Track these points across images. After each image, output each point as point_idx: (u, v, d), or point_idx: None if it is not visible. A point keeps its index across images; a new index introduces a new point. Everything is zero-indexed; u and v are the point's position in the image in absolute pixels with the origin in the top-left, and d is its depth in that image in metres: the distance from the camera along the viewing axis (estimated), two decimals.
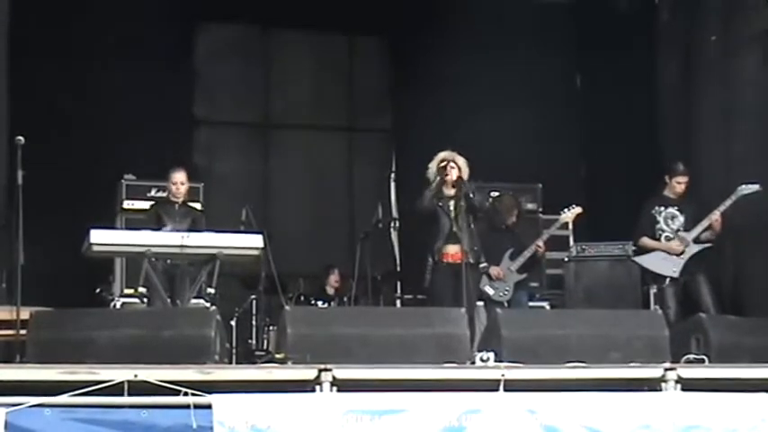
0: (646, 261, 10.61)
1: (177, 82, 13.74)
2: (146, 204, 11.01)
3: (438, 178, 9.80)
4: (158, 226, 9.90)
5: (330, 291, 13.00)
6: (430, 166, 9.95)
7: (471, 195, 9.69)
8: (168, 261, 9.48)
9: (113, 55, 12.81)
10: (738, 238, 11.10)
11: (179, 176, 10.32)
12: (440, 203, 9.83)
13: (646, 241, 10.59)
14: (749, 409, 7.32)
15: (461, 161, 9.86)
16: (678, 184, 10.59)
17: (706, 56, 12.29)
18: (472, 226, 9.67)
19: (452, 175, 9.77)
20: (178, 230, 9.69)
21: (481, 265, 9.91)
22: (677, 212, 10.54)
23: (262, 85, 15.10)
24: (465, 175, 9.82)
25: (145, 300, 9.66)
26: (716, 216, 10.32)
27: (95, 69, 12.67)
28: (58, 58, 12.53)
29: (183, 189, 10.32)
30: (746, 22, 11.77)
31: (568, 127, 13.57)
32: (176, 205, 10.29)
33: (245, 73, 14.97)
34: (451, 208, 9.76)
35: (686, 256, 10.40)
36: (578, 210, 11.07)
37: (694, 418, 7.23)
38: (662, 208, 10.56)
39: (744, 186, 10.35)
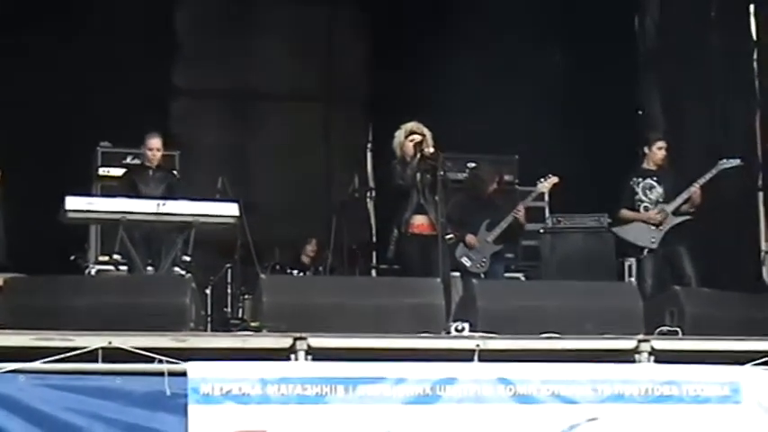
0: (624, 232, 10.64)
1: (156, 51, 13.70)
2: (121, 172, 10.99)
3: (418, 154, 9.70)
4: (133, 193, 9.87)
5: (306, 260, 13.01)
6: (396, 135, 9.86)
7: (443, 172, 9.61)
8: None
9: (93, 22, 12.73)
10: (716, 211, 11.14)
11: (155, 143, 10.33)
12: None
13: (625, 213, 10.62)
14: (720, 380, 7.38)
15: (428, 132, 9.80)
16: (659, 150, 10.63)
17: (690, 27, 12.34)
18: (437, 198, 9.56)
19: (427, 150, 9.70)
20: (153, 196, 9.66)
21: (447, 236, 9.74)
22: (655, 183, 10.58)
23: (241, 55, 15.05)
24: (431, 146, 9.75)
25: (120, 267, 9.64)
26: (695, 189, 10.37)
27: (75, 36, 12.60)
28: (37, 23, 12.45)
29: (158, 155, 10.31)
30: None
31: (546, 99, 13.54)
32: (150, 171, 10.29)
33: (225, 43, 14.92)
34: (419, 179, 9.71)
35: (665, 228, 10.43)
36: (555, 179, 11.09)
37: (666, 389, 7.30)
38: (640, 179, 10.61)
39: (725, 160, 10.41)
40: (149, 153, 10.30)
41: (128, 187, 10.11)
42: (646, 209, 10.53)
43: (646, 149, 10.69)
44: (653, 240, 10.41)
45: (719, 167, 10.39)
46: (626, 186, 10.62)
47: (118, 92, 12.66)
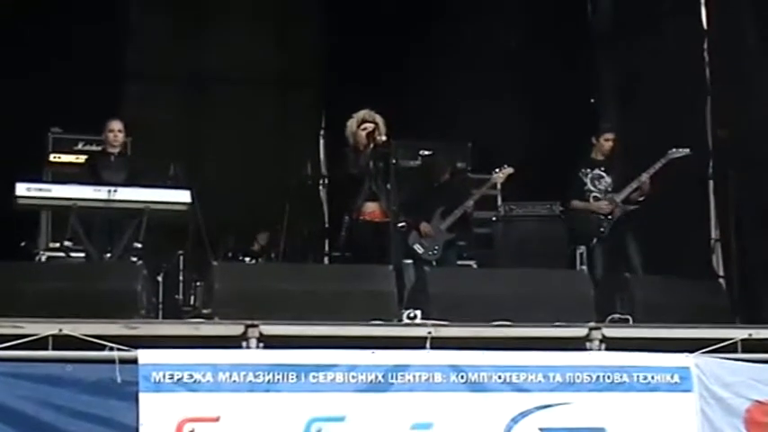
0: (574, 222, 10.70)
1: (109, 34, 13.56)
2: (72, 158, 10.90)
3: (371, 144, 9.67)
4: (94, 180, 9.79)
5: (257, 247, 12.97)
6: (348, 124, 9.83)
7: (396, 160, 9.57)
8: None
9: (45, 5, 12.61)
10: (667, 200, 11.20)
11: (116, 125, 10.25)
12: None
13: (575, 203, 10.69)
14: (671, 368, 7.45)
15: (380, 120, 9.78)
16: (606, 142, 10.72)
17: (643, 15, 12.41)
18: (389, 186, 9.50)
19: (380, 138, 9.67)
20: (115, 183, 9.58)
21: (399, 224, 9.70)
22: (603, 173, 10.66)
23: (194, 39, 14.96)
24: (384, 134, 9.72)
25: (71, 254, 9.56)
26: (644, 178, 10.45)
27: (24, 18, 12.47)
28: None
29: (120, 137, 10.24)
30: None
31: (500, 85, 13.58)
32: (112, 157, 10.21)
33: (179, 26, 14.82)
34: (371, 167, 9.69)
35: (614, 217, 10.50)
36: (510, 170, 11.09)
37: (617, 377, 7.35)
38: (588, 169, 10.69)
39: (674, 150, 10.48)
40: (110, 135, 10.20)
41: (89, 174, 10.01)
42: (595, 198, 10.60)
43: (594, 140, 10.77)
44: (602, 230, 10.49)
45: (669, 157, 10.47)
46: (574, 176, 10.69)
47: (69, 76, 12.54)
